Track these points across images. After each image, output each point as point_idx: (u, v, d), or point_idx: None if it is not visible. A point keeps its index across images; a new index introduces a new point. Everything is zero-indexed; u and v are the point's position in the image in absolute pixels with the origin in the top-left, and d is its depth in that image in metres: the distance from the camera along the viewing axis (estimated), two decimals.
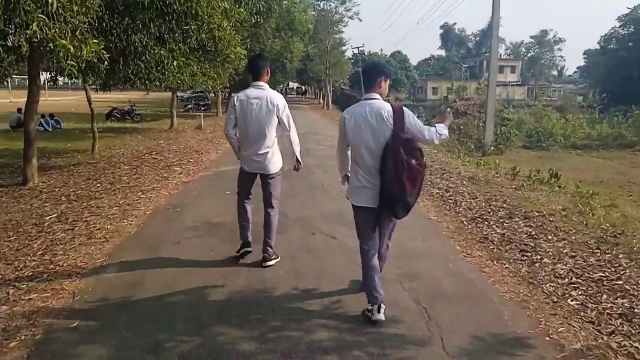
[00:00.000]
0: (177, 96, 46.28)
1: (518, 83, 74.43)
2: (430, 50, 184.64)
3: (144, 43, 9.84)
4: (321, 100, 57.47)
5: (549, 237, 5.73)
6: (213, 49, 11.69)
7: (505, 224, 6.25)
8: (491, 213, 6.79)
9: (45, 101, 38.04)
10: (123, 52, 9.81)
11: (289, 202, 7.26)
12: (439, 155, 13.07)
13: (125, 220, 6.34)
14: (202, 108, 35.84)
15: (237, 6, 11.82)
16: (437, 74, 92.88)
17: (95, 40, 6.46)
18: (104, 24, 8.90)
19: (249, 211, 4.97)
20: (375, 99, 3.60)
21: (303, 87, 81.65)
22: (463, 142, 19.72)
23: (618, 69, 45.67)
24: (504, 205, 7.25)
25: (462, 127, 22.55)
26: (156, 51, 10.05)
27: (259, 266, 4.75)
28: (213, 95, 33.25)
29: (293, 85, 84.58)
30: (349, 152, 3.80)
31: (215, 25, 10.23)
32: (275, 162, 4.75)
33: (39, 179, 9.27)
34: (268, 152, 4.65)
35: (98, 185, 8.76)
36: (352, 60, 52.42)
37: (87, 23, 6.77)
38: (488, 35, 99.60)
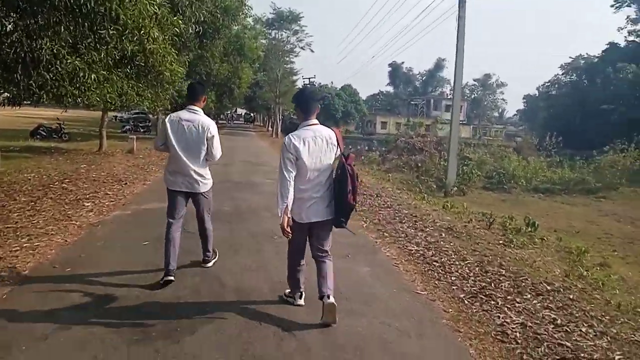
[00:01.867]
0: (115, 116, 43.74)
1: (464, 122, 75.72)
2: (378, 86, 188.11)
3: (54, 51, 7.88)
4: (269, 128, 55.97)
5: (584, 330, 4.17)
6: (143, 64, 9.79)
7: (517, 304, 4.66)
8: (492, 285, 5.20)
9: None
10: (23, 59, 7.78)
11: (227, 261, 5.41)
12: (402, 196, 11.57)
13: None
14: (142, 130, 33.37)
15: (173, 15, 9.95)
16: (385, 109, 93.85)
17: None
18: None
19: (177, 237, 4.73)
20: (317, 124, 3.98)
21: (252, 115, 79.79)
22: (423, 181, 18.41)
23: (560, 114, 46.95)
24: (502, 271, 5.71)
25: (420, 165, 21.39)
26: (69, 61, 8.10)
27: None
28: (154, 117, 31.03)
29: (241, 111, 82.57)
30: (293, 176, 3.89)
31: (145, 35, 8.37)
32: (205, 182, 4.79)
33: None
34: (197, 172, 4.68)
35: None
36: None
37: None
38: (435, 75, 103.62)
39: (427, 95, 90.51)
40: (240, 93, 36.40)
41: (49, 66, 8.07)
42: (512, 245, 7.37)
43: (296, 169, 3.85)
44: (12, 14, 7.87)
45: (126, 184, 10.46)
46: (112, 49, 8.17)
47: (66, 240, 5.97)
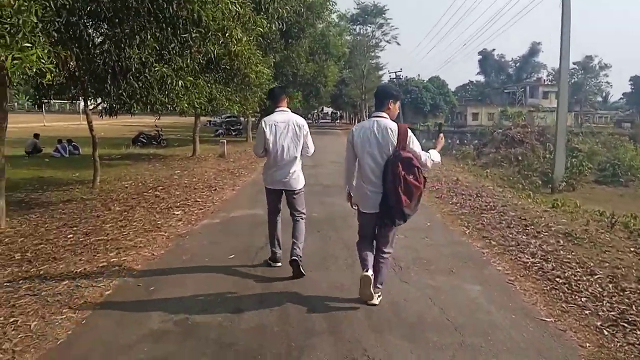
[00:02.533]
0: (209, 121, 45.35)
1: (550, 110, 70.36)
2: (468, 76, 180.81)
3: (142, 59, 7.88)
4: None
5: None
6: (228, 67, 9.62)
7: None
8: (634, 307, 4.26)
9: (79, 125, 37.18)
10: (113, 68, 7.84)
11: (319, 277, 4.93)
12: (506, 195, 10.52)
13: (57, 317, 4.06)
14: (233, 133, 34.28)
15: (257, 14, 9.66)
16: (475, 100, 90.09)
17: (28, 44, 4.36)
18: (79, 32, 7.00)
19: (279, 226, 5.27)
20: (382, 117, 4.00)
21: (338, 112, 79.81)
22: (526, 177, 16.90)
23: None
24: None
25: (520, 158, 19.73)
26: (157, 68, 8.06)
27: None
28: (244, 120, 31.72)
29: (327, 110, 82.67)
30: (356, 165, 4.15)
31: (229, 37, 8.14)
32: (298, 179, 5.08)
33: (10, 222, 7.45)
34: (294, 170, 5.01)
35: (70, 235, 6.69)
36: None
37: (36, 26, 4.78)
38: (529, 61, 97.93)
39: (522, 83, 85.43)
40: (326, 92, 36.22)
41: (138, 75, 8.10)
42: None
43: (356, 158, 4.10)
44: (102, 24, 8.00)
45: (216, 189, 10.41)
46: (196, 52, 8.00)
47: (153, 254, 5.81)
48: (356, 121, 57.06)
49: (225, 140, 19.34)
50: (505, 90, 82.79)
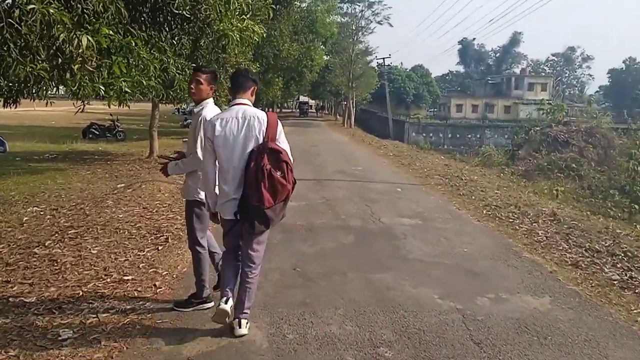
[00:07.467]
0: (177, 109, 40.31)
1: (550, 102, 67.78)
2: (448, 66, 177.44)
3: None
4: (338, 117, 51.09)
5: None
6: (189, 15, 5.01)
7: None
8: None
9: (33, 111, 31.64)
10: None
11: None
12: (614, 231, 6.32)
13: None
14: None
15: None
16: (455, 90, 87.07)
17: None
18: None
19: None
20: (247, 104, 3.45)
21: (311, 102, 72.26)
22: (609, 196, 12.53)
23: None
24: None
25: (574, 165, 15.40)
26: (35, 7, 3.58)
27: None
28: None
29: (305, 99, 74.98)
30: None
31: None
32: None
33: None
34: None
35: None
36: (377, 72, 45.98)
37: None
38: (509, 51, 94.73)
39: (504, 73, 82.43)
40: (311, 77, 31.84)
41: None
42: None
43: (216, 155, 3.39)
44: None
45: (167, 240, 5.81)
46: None
47: None
48: (336, 112, 52.52)
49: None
50: (490, 81, 79.50)
